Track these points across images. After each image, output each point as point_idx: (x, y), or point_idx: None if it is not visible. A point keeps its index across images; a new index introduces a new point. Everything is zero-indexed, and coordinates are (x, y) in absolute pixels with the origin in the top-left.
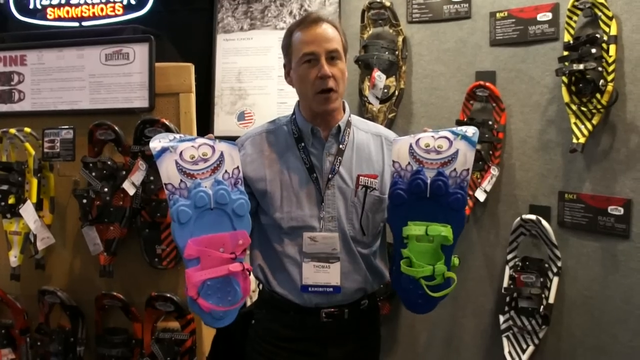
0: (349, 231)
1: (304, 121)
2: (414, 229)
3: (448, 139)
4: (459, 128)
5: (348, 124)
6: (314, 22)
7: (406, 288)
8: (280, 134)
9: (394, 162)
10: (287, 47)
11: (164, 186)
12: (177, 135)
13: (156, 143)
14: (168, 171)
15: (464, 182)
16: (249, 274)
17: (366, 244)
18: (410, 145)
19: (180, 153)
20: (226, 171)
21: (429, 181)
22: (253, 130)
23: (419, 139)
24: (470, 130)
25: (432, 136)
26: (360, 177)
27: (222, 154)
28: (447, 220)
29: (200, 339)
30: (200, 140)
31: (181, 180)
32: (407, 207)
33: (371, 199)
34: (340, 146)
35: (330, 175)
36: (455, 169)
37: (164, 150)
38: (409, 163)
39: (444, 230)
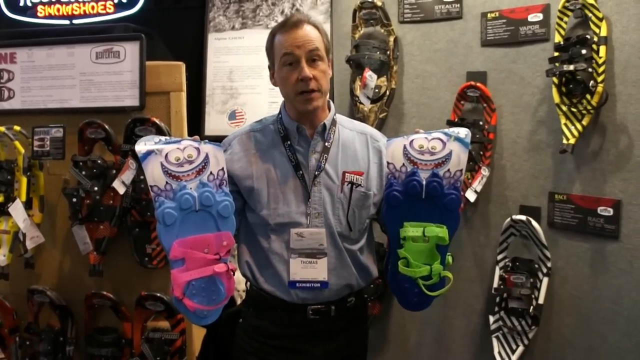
0: (336, 227)
1: (289, 120)
2: (411, 230)
3: (441, 140)
4: (451, 130)
5: (333, 122)
6: (295, 25)
7: (402, 287)
8: (267, 132)
9: (388, 163)
10: (270, 49)
11: (149, 188)
12: (163, 138)
13: (142, 146)
14: (154, 173)
15: (458, 182)
16: (233, 274)
17: (353, 239)
18: (404, 147)
19: (166, 155)
20: (211, 173)
21: (424, 182)
22: (240, 129)
23: (412, 140)
24: (463, 132)
25: (426, 137)
26: (346, 174)
27: (207, 156)
28: (442, 220)
29: (190, 338)
30: (186, 142)
31: (167, 183)
32: (402, 208)
33: (357, 195)
34: (326, 144)
35: (316, 172)
36: (449, 170)
37: (149, 152)
38: (403, 164)
39: (440, 231)
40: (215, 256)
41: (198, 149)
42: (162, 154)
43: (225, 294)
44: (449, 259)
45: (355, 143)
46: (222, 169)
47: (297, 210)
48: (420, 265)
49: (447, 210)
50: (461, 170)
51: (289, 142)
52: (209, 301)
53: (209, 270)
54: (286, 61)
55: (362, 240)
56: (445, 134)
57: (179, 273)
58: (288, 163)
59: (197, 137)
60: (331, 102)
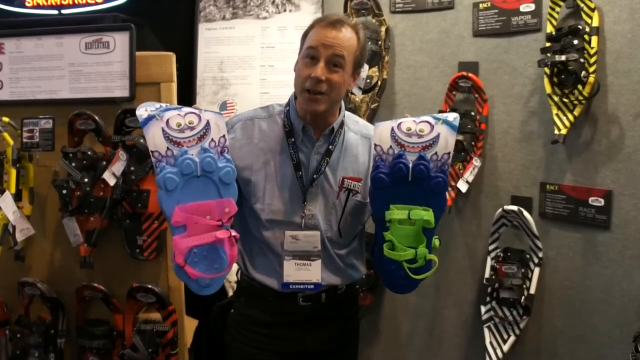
0: (326, 232)
1: (296, 117)
2: (397, 213)
3: (429, 123)
4: (440, 113)
5: (341, 124)
6: (333, 23)
7: (388, 270)
8: (272, 123)
9: (375, 145)
10: (303, 38)
11: (150, 154)
12: (163, 104)
13: (142, 111)
14: (155, 139)
15: (445, 165)
16: (236, 242)
17: (342, 245)
18: (392, 129)
19: (167, 121)
20: (212, 139)
21: (410, 165)
22: (245, 113)
23: (400, 123)
24: (451, 116)
25: (414, 120)
26: (345, 180)
27: (208, 123)
28: (428, 203)
29: (182, 330)
30: (186, 109)
31: (168, 148)
32: (388, 190)
33: (352, 203)
34: (330, 147)
35: (315, 175)
36: (436, 153)
37: (150, 117)
38: (390, 146)
39: (426, 214)
40: (218, 222)
41: (199, 116)
42: (163, 119)
43: (227, 262)
44: (436, 242)
45: (358, 147)
46: (224, 136)
47: (291, 210)
48: (405, 249)
49: (433, 193)
50: (449, 154)
51: (292, 140)
52: (211, 270)
53: (211, 236)
54: (308, 54)
55: (352, 244)
56: (434, 117)
57: (180, 239)
58: (289, 161)
59: (197, 105)
60: (342, 104)
